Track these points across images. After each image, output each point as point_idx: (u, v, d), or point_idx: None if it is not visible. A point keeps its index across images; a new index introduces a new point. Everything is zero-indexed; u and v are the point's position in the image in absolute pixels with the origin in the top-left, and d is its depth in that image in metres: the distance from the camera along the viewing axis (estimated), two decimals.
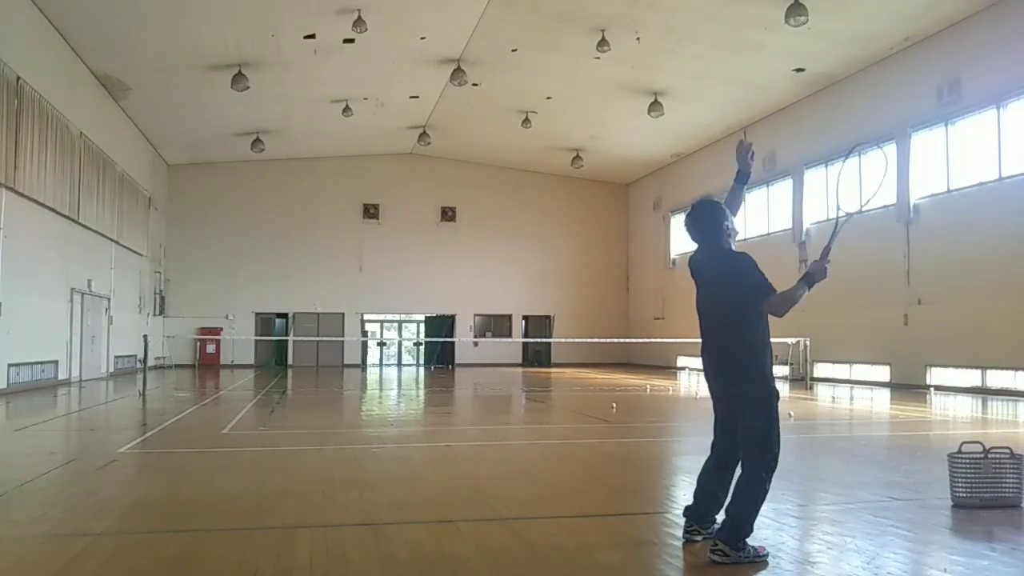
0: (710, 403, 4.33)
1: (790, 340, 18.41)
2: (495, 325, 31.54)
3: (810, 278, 3.94)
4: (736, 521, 3.90)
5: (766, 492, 3.96)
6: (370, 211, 30.22)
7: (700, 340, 4.24)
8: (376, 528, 4.60)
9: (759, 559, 3.90)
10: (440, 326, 31.18)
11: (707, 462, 4.28)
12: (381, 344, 32.72)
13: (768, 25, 16.54)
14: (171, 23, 16.76)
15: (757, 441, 3.95)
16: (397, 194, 30.19)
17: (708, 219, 4.18)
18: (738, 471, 4.09)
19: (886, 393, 16.44)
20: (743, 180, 4.43)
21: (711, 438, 4.29)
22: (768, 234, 22.95)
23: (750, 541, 3.93)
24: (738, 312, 3.99)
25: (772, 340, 4.10)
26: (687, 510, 4.29)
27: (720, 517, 4.07)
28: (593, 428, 10.24)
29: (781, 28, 15.98)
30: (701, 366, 4.33)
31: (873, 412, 12.93)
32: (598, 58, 18.88)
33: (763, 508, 4.14)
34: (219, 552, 4.09)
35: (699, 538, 4.18)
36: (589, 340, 27.83)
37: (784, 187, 22.50)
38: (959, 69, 16.54)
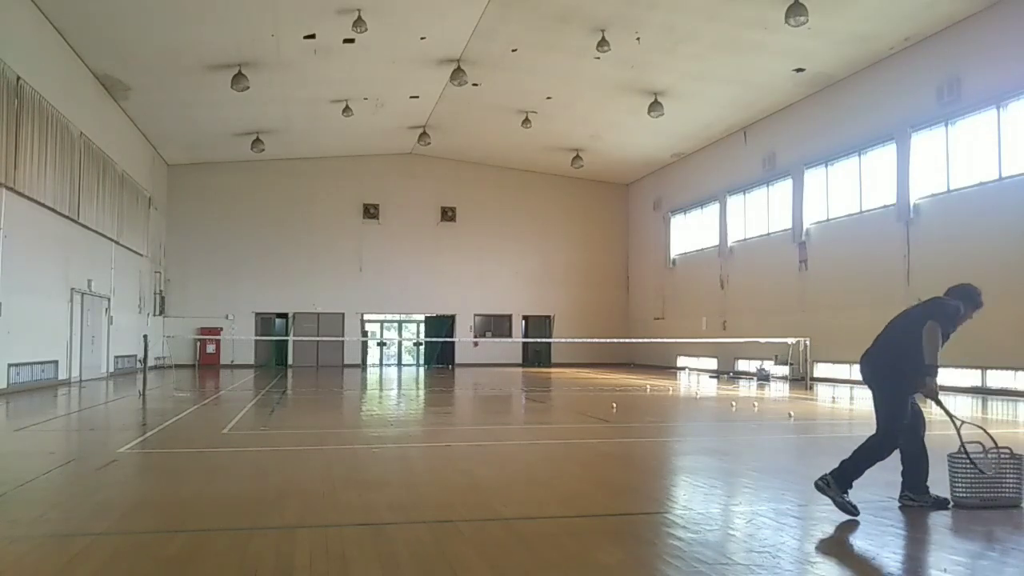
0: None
1: (790, 340, 18.37)
2: (495, 325, 31.53)
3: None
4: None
5: None
6: (370, 211, 30.22)
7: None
8: (376, 528, 4.60)
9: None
10: (440, 326, 31.17)
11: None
12: (381, 344, 32.71)
13: (768, 25, 16.54)
14: (171, 23, 16.77)
15: None
16: (397, 194, 30.19)
17: None
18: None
19: None
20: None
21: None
22: (768, 234, 22.93)
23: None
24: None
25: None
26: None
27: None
28: (593, 428, 10.23)
29: (781, 28, 15.98)
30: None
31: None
32: (598, 58, 18.88)
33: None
34: (219, 552, 4.10)
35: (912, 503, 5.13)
36: (589, 340, 27.81)
37: (784, 187, 22.49)
38: (959, 69, 16.53)
